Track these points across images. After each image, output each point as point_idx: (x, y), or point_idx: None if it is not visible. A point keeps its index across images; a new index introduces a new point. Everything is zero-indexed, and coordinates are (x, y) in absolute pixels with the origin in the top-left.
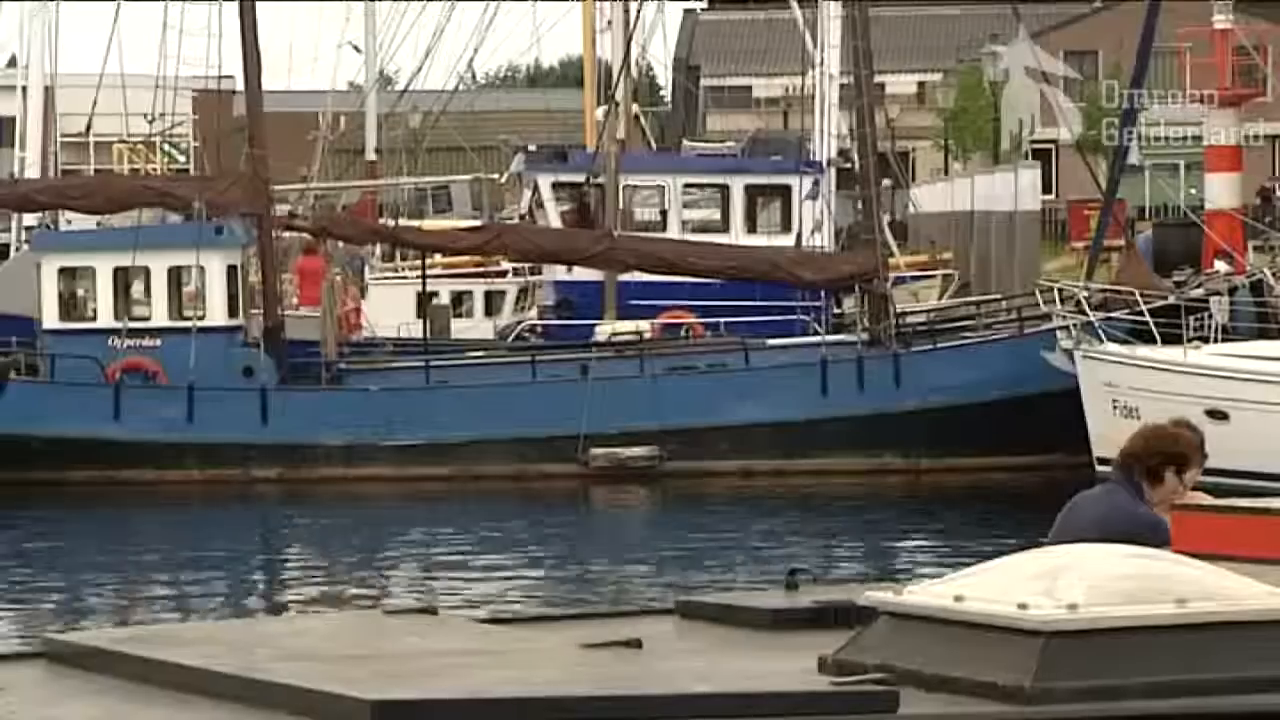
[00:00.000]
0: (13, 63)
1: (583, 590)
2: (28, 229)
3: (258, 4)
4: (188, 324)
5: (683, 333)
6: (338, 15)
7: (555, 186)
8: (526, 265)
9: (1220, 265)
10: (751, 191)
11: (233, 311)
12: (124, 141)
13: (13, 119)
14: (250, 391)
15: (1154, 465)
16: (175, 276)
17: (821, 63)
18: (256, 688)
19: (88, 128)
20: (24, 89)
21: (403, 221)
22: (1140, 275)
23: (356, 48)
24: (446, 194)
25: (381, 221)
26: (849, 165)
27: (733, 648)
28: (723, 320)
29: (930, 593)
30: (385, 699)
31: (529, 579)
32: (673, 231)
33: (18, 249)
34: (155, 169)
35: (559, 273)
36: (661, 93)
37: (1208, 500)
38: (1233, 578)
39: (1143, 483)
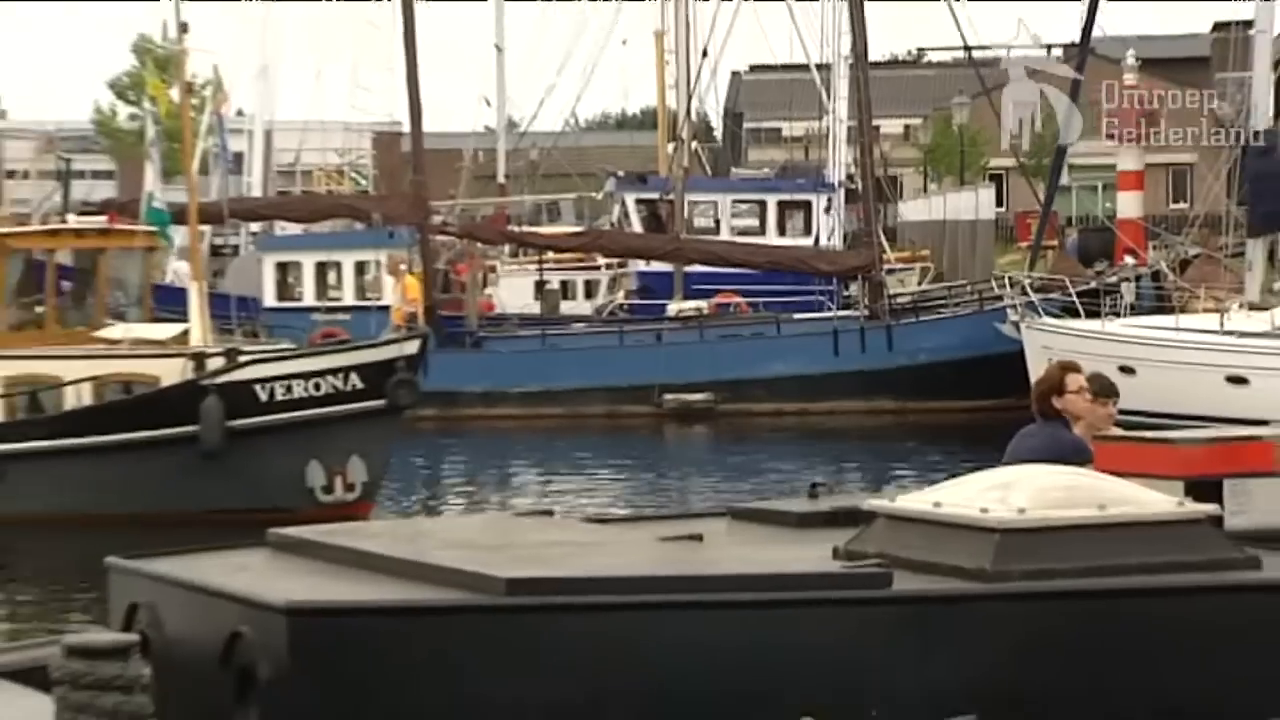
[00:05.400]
0: (240, 113)
1: (658, 499)
2: (253, 234)
3: (418, 68)
4: (369, 303)
5: (732, 309)
6: (478, 72)
7: (637, 202)
8: (616, 260)
9: (1129, 260)
10: (782, 206)
11: None
12: (323, 170)
13: (240, 154)
14: None
15: (1041, 398)
16: (359, 268)
17: (833, 110)
18: (421, 569)
19: (296, 160)
20: (250, 133)
21: (525, 228)
22: (1069, 267)
23: (488, 101)
24: (557, 208)
25: (509, 228)
26: (854, 186)
27: (769, 541)
28: (761, 300)
29: (916, 499)
30: (516, 576)
31: (619, 491)
32: (724, 235)
33: (247, 248)
34: (345, 190)
35: (640, 265)
36: (714, 133)
37: (1121, 433)
38: (1140, 489)
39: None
